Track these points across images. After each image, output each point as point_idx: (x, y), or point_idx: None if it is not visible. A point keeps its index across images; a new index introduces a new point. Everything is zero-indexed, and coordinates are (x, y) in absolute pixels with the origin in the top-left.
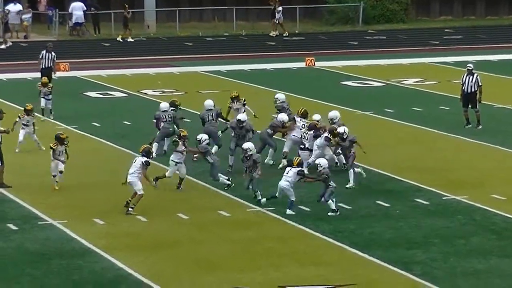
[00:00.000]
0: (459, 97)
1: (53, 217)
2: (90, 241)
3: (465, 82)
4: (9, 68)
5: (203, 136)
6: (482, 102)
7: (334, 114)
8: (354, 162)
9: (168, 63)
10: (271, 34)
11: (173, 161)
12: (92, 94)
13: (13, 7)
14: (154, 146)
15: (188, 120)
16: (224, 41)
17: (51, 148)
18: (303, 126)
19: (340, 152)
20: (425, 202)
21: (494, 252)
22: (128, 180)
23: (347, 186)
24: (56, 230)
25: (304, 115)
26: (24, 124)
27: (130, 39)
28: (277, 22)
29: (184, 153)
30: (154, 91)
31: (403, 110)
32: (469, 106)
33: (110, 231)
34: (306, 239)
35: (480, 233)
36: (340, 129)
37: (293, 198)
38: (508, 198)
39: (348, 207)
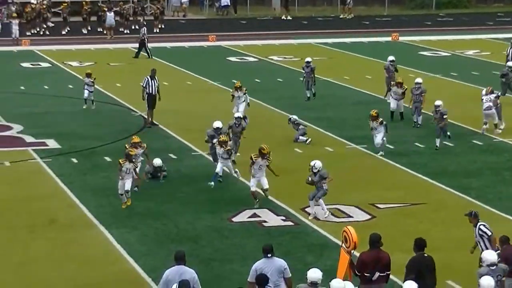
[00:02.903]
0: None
1: (202, 149)
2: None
3: (509, 54)
4: (170, 39)
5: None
6: None
7: (438, 102)
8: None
9: (289, 36)
10: (341, 16)
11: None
12: (232, 59)
13: None
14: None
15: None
16: (330, 20)
17: (119, 163)
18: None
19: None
20: (479, 143)
21: None
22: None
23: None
24: (204, 159)
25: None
26: (86, 84)
27: (289, 17)
28: (347, 6)
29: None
30: (278, 57)
31: (464, 74)
32: None
33: (243, 161)
34: (389, 170)
35: None
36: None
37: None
38: None
39: (422, 146)
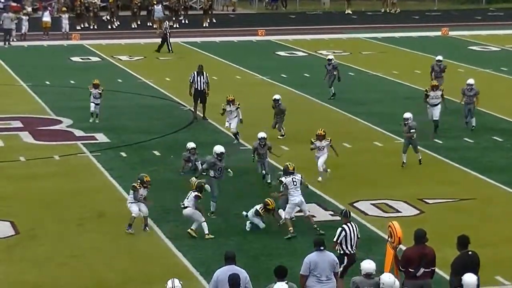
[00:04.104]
0: None
1: (251, 144)
2: (277, 161)
3: None
4: (219, 33)
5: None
6: None
7: (408, 115)
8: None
9: (338, 31)
10: (387, 10)
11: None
12: (281, 53)
13: None
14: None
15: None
16: (379, 15)
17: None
18: None
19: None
20: None
21: None
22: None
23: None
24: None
25: None
26: (93, 96)
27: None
28: (392, 0)
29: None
30: (328, 52)
31: None
32: None
33: (294, 154)
34: (439, 165)
35: None
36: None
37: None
38: None
39: (471, 141)
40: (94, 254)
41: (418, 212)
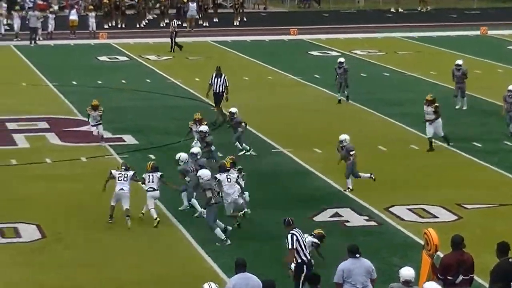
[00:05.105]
0: None
1: (283, 146)
2: (310, 165)
3: None
4: (250, 32)
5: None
6: None
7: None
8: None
9: (373, 30)
10: (419, 8)
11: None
12: (314, 53)
13: None
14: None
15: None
16: (416, 13)
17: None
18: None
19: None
20: None
21: None
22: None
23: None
24: (285, 157)
25: None
26: (93, 118)
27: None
28: None
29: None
30: (362, 51)
31: None
32: None
33: (326, 157)
34: (477, 168)
35: None
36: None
37: None
38: None
39: (511, 144)
40: (121, 258)
41: (456, 217)
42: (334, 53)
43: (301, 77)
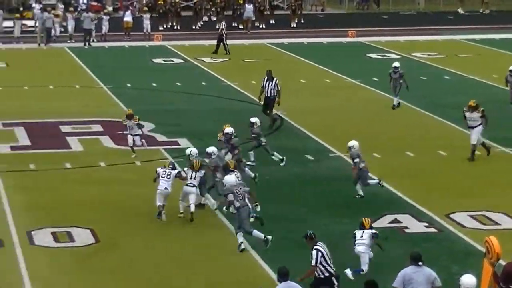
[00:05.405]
0: None
1: (341, 151)
2: (369, 170)
3: None
4: (307, 34)
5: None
6: None
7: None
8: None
9: (433, 32)
10: (481, 10)
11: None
12: (373, 55)
13: None
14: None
15: None
16: (477, 15)
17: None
18: None
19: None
20: None
21: None
22: None
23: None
24: (343, 161)
25: None
26: (129, 127)
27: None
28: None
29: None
30: (422, 54)
31: None
32: None
33: (385, 162)
34: None
35: None
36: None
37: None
38: None
39: None
40: (176, 264)
41: None
42: (393, 56)
43: (359, 80)
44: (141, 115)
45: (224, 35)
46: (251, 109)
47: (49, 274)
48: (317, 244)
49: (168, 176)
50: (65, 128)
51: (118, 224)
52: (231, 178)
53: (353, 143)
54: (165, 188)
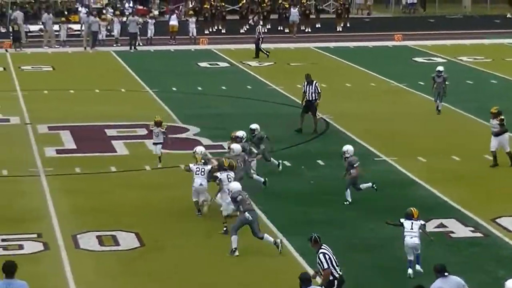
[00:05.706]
0: None
1: (387, 154)
2: (414, 174)
3: None
4: (353, 38)
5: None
6: None
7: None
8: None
9: (480, 35)
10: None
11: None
12: (419, 59)
13: None
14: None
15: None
16: None
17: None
18: None
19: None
20: None
21: None
22: None
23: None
24: (387, 165)
25: None
26: (155, 135)
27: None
28: None
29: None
30: (468, 58)
31: None
32: None
33: (431, 166)
34: None
35: None
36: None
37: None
38: None
39: None
40: (219, 269)
41: None
42: (439, 60)
43: (405, 84)
44: (186, 119)
45: (261, 38)
46: (296, 113)
47: (94, 278)
48: (322, 247)
49: (202, 172)
50: (110, 132)
51: (163, 228)
52: (236, 185)
53: (347, 147)
54: (200, 184)
